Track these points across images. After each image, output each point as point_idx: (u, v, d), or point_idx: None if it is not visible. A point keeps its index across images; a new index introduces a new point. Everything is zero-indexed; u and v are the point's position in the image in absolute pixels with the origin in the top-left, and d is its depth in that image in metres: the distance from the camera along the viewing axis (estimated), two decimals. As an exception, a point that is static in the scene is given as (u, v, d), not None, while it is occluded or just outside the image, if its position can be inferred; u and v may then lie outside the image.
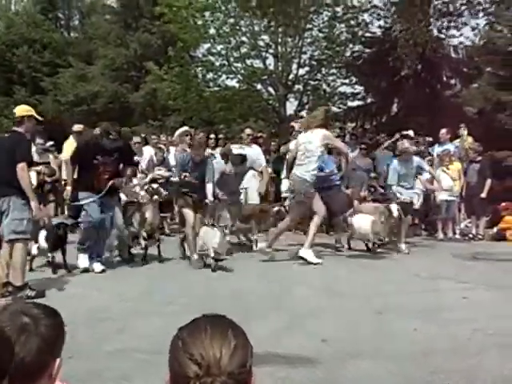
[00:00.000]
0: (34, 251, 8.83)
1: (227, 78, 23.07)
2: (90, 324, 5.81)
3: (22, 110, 7.71)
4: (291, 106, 23.16)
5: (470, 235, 13.09)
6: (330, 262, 9.57)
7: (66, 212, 11.55)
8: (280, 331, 5.60)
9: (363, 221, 10.84)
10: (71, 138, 13.01)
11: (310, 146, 9.68)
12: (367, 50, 23.19)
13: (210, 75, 23.39)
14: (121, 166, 9.45)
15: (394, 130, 14.98)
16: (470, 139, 14.01)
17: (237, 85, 23.41)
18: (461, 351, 4.95)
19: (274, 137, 17.42)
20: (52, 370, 1.92)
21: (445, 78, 22.78)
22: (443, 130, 13.87)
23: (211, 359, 1.57)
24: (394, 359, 4.75)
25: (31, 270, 8.48)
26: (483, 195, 12.99)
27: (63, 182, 12.51)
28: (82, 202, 9.00)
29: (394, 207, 10.63)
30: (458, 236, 13.08)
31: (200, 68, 23.74)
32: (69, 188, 9.40)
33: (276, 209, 11.40)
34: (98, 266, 8.88)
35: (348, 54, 23.14)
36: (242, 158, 10.96)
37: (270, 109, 23.09)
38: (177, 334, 1.68)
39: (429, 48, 20.01)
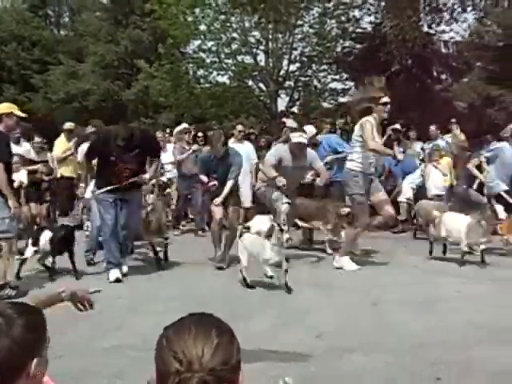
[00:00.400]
0: (28, 254, 8.08)
1: (218, 74, 23.10)
2: (84, 321, 5.79)
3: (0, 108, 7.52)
4: (282, 103, 23.23)
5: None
6: (329, 258, 9.57)
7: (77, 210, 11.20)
8: (276, 328, 5.61)
9: (457, 221, 9.02)
10: (62, 135, 12.97)
11: (354, 134, 8.79)
12: (358, 46, 23.22)
13: (200, 72, 23.42)
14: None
15: (385, 124, 15.00)
16: (462, 137, 14.01)
17: (228, 81, 23.46)
18: (458, 343, 4.98)
19: (264, 133, 17.40)
20: (30, 370, 1.91)
21: (435, 73, 22.82)
22: (432, 127, 13.89)
23: (193, 356, 1.62)
24: (391, 352, 4.78)
25: (18, 277, 7.91)
26: (474, 187, 12.95)
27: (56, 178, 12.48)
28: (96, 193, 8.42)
29: (500, 208, 9.48)
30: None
31: (191, 65, 23.71)
32: (82, 185, 9.03)
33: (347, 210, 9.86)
34: (113, 274, 8.02)
35: (339, 49, 23.17)
36: (302, 147, 9.39)
37: (261, 105, 23.12)
38: (163, 332, 1.74)
39: (418, 43, 20.05)
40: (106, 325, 5.78)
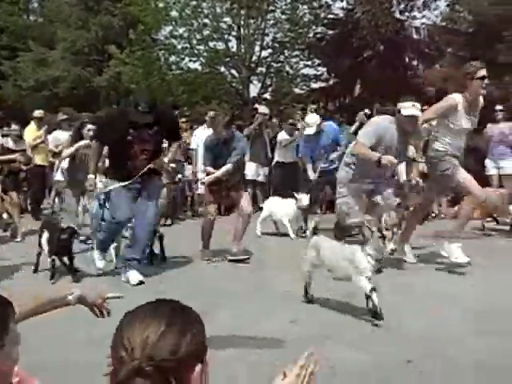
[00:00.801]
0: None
1: (190, 60, 23.06)
2: (63, 314, 5.73)
3: None
4: (254, 89, 23.24)
5: (433, 214, 13.21)
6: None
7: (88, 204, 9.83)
8: (256, 314, 5.60)
9: None
10: (32, 123, 12.83)
11: None
12: (330, 32, 23.28)
13: (172, 58, 23.33)
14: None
15: (357, 110, 15.06)
16: (434, 122, 14.03)
17: (199, 67, 23.40)
18: (433, 337, 4.98)
19: (237, 119, 17.39)
20: None
21: (407, 59, 22.97)
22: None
23: (136, 343, 1.55)
24: (367, 343, 4.79)
25: (36, 271, 7.36)
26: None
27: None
28: (105, 189, 7.28)
29: None
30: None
31: (162, 51, 23.60)
32: (91, 176, 7.55)
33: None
34: (134, 276, 6.95)
35: (311, 35, 23.21)
36: (415, 122, 7.28)
37: (233, 91, 23.09)
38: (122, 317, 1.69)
39: (390, 29, 20.17)
40: (86, 317, 5.71)
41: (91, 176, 7.50)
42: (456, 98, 7.22)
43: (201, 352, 1.63)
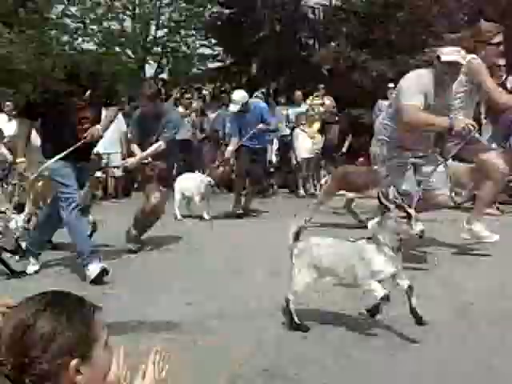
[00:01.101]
0: None
1: (83, 41, 22.53)
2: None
3: None
4: (150, 69, 23.02)
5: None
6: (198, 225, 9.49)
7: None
8: (149, 296, 5.50)
9: None
10: None
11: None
12: (226, 11, 23.18)
13: (65, 38, 22.72)
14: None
15: (254, 90, 15.11)
16: (327, 101, 14.21)
17: (94, 48, 22.92)
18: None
19: (132, 100, 17.15)
20: None
21: (303, 39, 23.17)
22: (298, 92, 14.22)
23: (3, 339, 1.45)
24: (258, 317, 4.77)
25: None
26: (344, 150, 13.36)
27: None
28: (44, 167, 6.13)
29: None
30: (318, 192, 13.36)
31: (54, 31, 22.95)
32: (21, 159, 6.22)
33: None
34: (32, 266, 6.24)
35: (207, 15, 23.09)
36: (456, 72, 5.65)
37: (129, 72, 22.77)
38: None
39: (286, 9, 20.30)
40: None
41: (21, 159, 6.22)
42: (478, 59, 5.97)
43: (78, 346, 1.50)
